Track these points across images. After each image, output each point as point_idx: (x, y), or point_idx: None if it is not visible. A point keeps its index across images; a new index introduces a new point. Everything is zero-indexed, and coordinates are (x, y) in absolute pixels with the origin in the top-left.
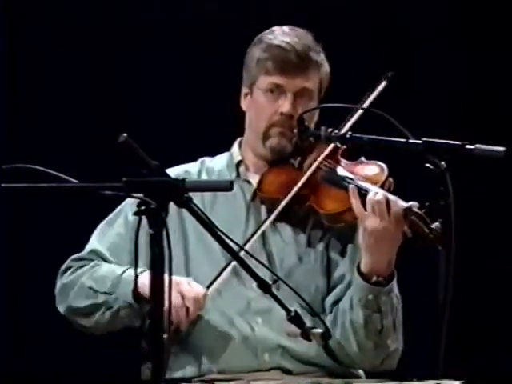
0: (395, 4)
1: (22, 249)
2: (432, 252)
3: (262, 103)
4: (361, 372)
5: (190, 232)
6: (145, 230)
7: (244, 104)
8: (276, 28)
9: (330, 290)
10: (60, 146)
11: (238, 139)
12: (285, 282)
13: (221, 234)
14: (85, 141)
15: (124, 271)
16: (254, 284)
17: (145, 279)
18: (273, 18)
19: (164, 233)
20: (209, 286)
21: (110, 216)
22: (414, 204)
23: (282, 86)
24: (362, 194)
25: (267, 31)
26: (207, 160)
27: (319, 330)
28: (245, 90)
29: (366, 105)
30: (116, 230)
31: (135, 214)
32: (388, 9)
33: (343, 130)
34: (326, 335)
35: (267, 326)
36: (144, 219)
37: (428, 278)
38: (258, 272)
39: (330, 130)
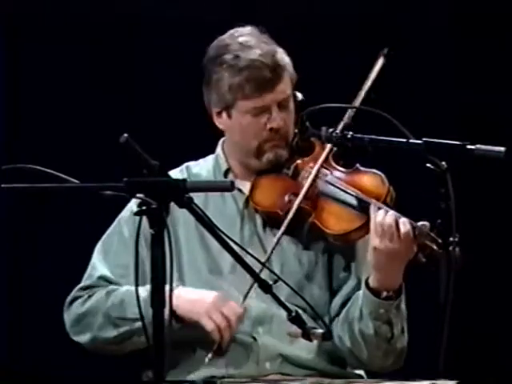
0: (396, 4)
1: (21, 249)
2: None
3: (247, 124)
4: (362, 372)
5: (183, 243)
6: (144, 246)
7: (220, 123)
8: (227, 41)
9: (333, 291)
10: (61, 146)
11: (221, 140)
12: (285, 283)
13: (222, 235)
14: (85, 141)
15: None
16: (254, 294)
17: (177, 299)
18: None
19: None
20: (243, 300)
21: (105, 236)
22: (424, 224)
23: (265, 105)
24: (366, 208)
25: (220, 46)
26: (191, 165)
27: (320, 330)
28: (216, 109)
29: (365, 88)
30: (115, 250)
31: (136, 214)
32: (389, 8)
33: (341, 123)
34: (327, 335)
35: (268, 335)
36: (143, 227)
37: (429, 279)
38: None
39: (330, 130)
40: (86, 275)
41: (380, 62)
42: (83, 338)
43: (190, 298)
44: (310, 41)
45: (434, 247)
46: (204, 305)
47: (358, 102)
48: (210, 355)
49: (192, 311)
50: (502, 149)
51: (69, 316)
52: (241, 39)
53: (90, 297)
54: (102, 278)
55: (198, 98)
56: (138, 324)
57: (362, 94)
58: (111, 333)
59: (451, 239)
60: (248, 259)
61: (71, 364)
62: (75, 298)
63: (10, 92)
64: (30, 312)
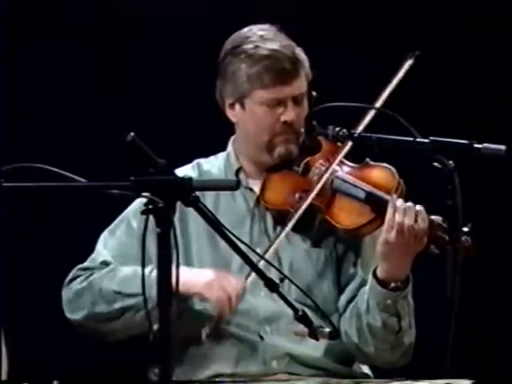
0: (396, 4)
1: (21, 249)
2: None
3: (261, 115)
4: (369, 372)
5: (192, 241)
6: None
7: (232, 115)
8: (247, 33)
9: (341, 288)
10: (60, 146)
11: (232, 138)
12: (291, 281)
13: (229, 234)
14: (85, 141)
15: (151, 270)
16: (263, 292)
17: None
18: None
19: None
20: (246, 278)
21: (112, 225)
22: (437, 218)
23: (281, 98)
24: (381, 203)
25: (238, 38)
26: (202, 162)
27: (327, 329)
28: (229, 100)
29: (388, 90)
30: (119, 238)
31: (143, 213)
32: (389, 8)
33: (358, 129)
34: (334, 334)
35: (275, 334)
36: (150, 224)
37: (436, 277)
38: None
39: (337, 128)
40: (89, 258)
41: (407, 64)
42: (77, 316)
43: (192, 271)
44: (310, 41)
45: (447, 238)
46: (205, 277)
47: (378, 103)
48: (206, 329)
49: (193, 281)
50: (503, 147)
51: (66, 294)
52: (260, 32)
53: (88, 276)
54: (104, 263)
55: (198, 98)
56: (132, 301)
57: (385, 95)
58: (104, 308)
59: (464, 229)
60: (256, 259)
61: (71, 364)
62: (75, 277)
63: (10, 92)
64: (29, 312)
